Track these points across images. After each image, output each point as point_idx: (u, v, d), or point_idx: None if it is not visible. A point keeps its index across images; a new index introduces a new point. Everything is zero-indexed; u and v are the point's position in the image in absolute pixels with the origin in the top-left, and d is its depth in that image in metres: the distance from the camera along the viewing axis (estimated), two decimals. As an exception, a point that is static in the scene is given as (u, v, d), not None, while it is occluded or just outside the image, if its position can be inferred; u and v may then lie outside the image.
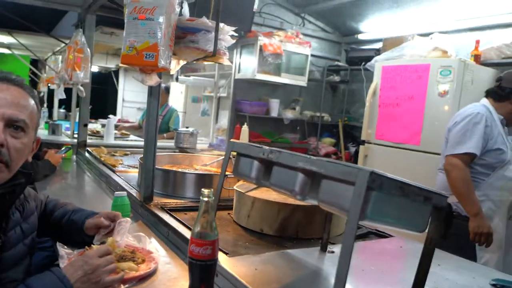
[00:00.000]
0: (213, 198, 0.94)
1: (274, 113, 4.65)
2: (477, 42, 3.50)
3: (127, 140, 4.13)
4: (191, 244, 0.92)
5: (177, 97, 6.19)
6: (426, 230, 0.99)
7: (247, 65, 4.39)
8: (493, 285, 1.17)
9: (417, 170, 3.34)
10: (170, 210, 1.60)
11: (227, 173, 1.97)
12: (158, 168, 1.85)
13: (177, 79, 4.94)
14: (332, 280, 1.08)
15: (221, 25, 1.58)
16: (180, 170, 2.01)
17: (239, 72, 4.49)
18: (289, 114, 4.70)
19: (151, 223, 1.57)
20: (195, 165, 2.35)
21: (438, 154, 3.23)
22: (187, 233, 1.34)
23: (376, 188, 0.83)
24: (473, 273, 1.30)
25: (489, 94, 2.45)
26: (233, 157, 2.54)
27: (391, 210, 0.89)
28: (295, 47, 4.44)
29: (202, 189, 0.94)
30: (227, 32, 1.65)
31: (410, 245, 1.48)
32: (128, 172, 2.37)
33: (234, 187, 1.63)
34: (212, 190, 0.94)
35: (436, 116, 3.26)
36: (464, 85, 3.17)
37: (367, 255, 1.35)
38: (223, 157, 2.43)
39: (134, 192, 1.87)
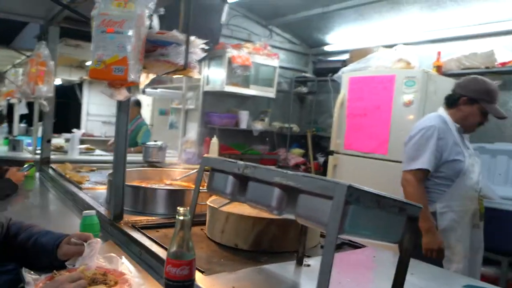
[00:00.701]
0: (189, 216, 0.92)
1: (243, 125, 4.65)
2: (439, 53, 3.64)
3: (92, 155, 4.03)
4: (167, 265, 0.89)
5: (144, 110, 6.09)
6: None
7: (215, 77, 4.37)
8: (465, 291, 1.20)
9: (385, 178, 3.40)
10: (142, 228, 1.55)
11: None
12: (128, 184, 1.79)
13: (144, 92, 4.86)
14: (311, 295, 1.08)
15: (192, 38, 1.57)
16: (150, 186, 1.96)
17: (207, 84, 4.47)
18: (258, 126, 4.71)
19: (122, 242, 1.51)
20: (166, 180, 2.30)
21: (405, 162, 3.31)
22: (160, 252, 1.30)
23: (354, 201, 0.83)
24: (445, 280, 1.33)
25: (444, 102, 2.46)
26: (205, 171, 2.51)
27: (367, 222, 0.90)
28: (263, 59, 4.47)
29: (178, 208, 0.91)
30: (198, 45, 1.64)
31: (382, 254, 1.50)
32: (95, 189, 2.29)
33: (207, 202, 1.60)
34: (188, 208, 0.92)
35: (402, 125, 3.34)
36: (427, 95, 3.28)
37: (343, 267, 1.35)
38: (193, 171, 2.41)
39: (102, 210, 1.81)
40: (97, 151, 4.23)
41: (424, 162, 2.24)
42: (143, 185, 1.99)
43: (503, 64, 3.31)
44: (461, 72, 3.53)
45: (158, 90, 4.86)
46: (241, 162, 1.10)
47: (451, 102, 2.39)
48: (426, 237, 2.19)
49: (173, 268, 0.88)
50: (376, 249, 1.54)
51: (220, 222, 1.49)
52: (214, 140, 4.16)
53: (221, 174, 1.18)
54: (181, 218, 0.91)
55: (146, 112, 6.11)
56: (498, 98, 2.30)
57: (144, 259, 1.34)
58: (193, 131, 4.74)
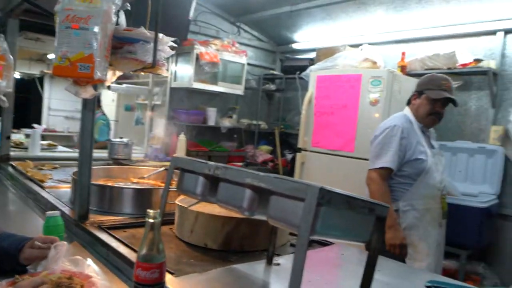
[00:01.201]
0: (159, 219, 0.90)
1: (211, 122, 4.62)
2: (403, 54, 3.74)
3: (55, 151, 3.88)
4: (136, 268, 0.88)
5: (108, 106, 5.95)
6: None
7: (183, 73, 4.32)
8: (428, 286, 1.24)
9: (352, 175, 3.47)
10: (108, 228, 1.52)
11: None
12: (94, 183, 1.75)
13: (109, 87, 4.74)
14: (281, 295, 1.09)
15: (160, 35, 1.54)
16: (117, 185, 1.92)
17: (175, 80, 4.41)
18: (226, 123, 4.70)
19: (87, 243, 1.47)
20: (133, 178, 2.26)
21: (371, 160, 3.39)
22: (128, 253, 1.28)
23: (325, 203, 0.84)
24: (409, 276, 1.37)
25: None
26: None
27: (338, 223, 0.91)
28: (232, 56, 4.46)
29: (148, 210, 0.90)
30: (166, 43, 1.61)
31: (350, 252, 1.53)
32: (58, 188, 2.22)
33: (176, 202, 1.59)
34: (159, 211, 0.90)
35: (368, 123, 3.41)
36: (393, 94, 3.36)
37: (312, 265, 1.37)
38: (161, 169, 2.38)
39: (67, 210, 1.75)
40: (60, 148, 4.08)
41: (387, 161, 2.28)
42: (110, 184, 1.94)
43: (464, 65, 3.44)
44: (424, 72, 3.63)
45: (124, 85, 4.75)
46: (212, 163, 1.09)
47: (408, 101, 2.51)
48: (389, 233, 2.24)
49: (142, 272, 0.87)
50: (343, 247, 1.57)
51: (189, 221, 1.48)
52: (182, 137, 4.11)
53: (191, 175, 1.17)
54: (151, 220, 0.89)
55: (111, 108, 5.97)
56: (442, 84, 2.34)
57: (111, 261, 1.31)
58: (159, 127, 4.67)
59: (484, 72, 3.41)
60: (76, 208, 1.60)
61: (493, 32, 3.50)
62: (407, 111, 2.47)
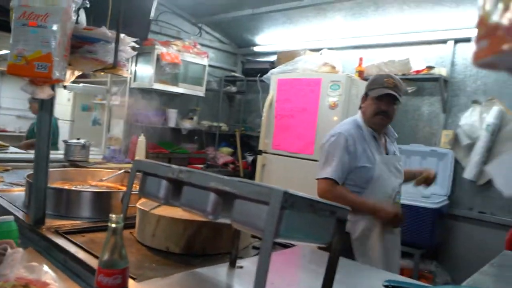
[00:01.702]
0: (122, 224, 0.89)
1: (171, 123, 4.56)
2: (361, 59, 3.86)
3: (6, 152, 3.71)
4: (98, 274, 0.86)
5: (64, 106, 5.75)
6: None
7: (143, 73, 4.25)
8: (385, 286, 1.28)
9: (311, 178, 3.51)
10: (66, 233, 1.47)
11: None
12: (50, 186, 1.69)
13: (64, 87, 4.58)
14: (245, 298, 1.10)
15: (122, 35, 1.51)
16: (75, 188, 1.86)
17: (135, 80, 4.32)
18: (187, 124, 4.65)
19: (44, 249, 1.42)
20: (91, 181, 2.20)
21: (330, 162, 3.47)
22: (87, 258, 1.25)
23: (289, 207, 0.86)
24: (367, 275, 1.42)
25: None
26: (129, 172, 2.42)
27: (301, 226, 0.93)
28: (193, 57, 4.43)
29: (110, 215, 0.88)
30: (128, 43, 1.59)
31: (311, 253, 1.56)
32: (11, 191, 2.12)
33: (137, 205, 1.56)
34: (121, 215, 0.89)
35: (327, 126, 3.48)
36: (350, 98, 3.46)
37: (274, 267, 1.38)
38: (120, 171, 2.32)
39: (20, 215, 1.68)
40: (12, 149, 3.90)
41: (330, 171, 2.15)
42: (67, 187, 1.88)
43: (417, 72, 3.59)
44: (380, 77, 3.77)
45: (81, 85, 4.60)
46: (176, 167, 1.08)
47: (360, 106, 2.41)
48: (378, 214, 2.12)
49: (105, 278, 0.85)
50: (305, 248, 1.60)
51: (150, 225, 1.46)
52: (141, 139, 4.04)
53: (154, 178, 1.16)
54: (114, 225, 0.88)
55: (66, 108, 5.77)
56: (385, 82, 2.19)
57: (70, 267, 1.27)
58: (117, 128, 4.56)
59: (436, 79, 3.57)
60: (32, 212, 1.54)
61: (444, 41, 3.68)
62: (358, 115, 2.37)
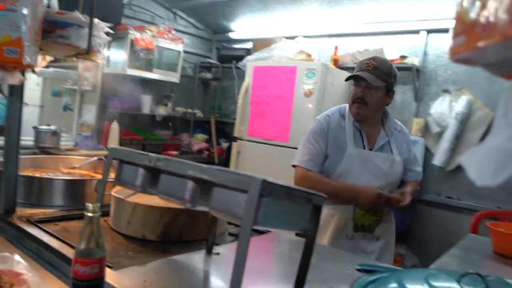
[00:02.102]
0: (99, 213, 0.88)
1: (145, 110, 4.50)
2: (336, 48, 3.89)
3: (-28, 139, 3.58)
4: (75, 263, 0.85)
5: (32, 91, 5.55)
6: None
7: (116, 59, 4.16)
8: (358, 269, 1.32)
9: (286, 164, 3.55)
10: (38, 222, 1.44)
11: (100, 177, 1.85)
12: (21, 174, 1.65)
13: (34, 71, 4.43)
14: (223, 283, 1.11)
15: (96, 20, 1.47)
16: (46, 175, 1.82)
17: (107, 66, 4.23)
18: (161, 111, 4.60)
19: (15, 239, 1.39)
20: (63, 168, 2.15)
21: (304, 150, 3.51)
22: (61, 247, 1.23)
23: (267, 194, 0.87)
24: (341, 259, 1.45)
25: None
26: (105, 158, 2.40)
27: (278, 213, 0.95)
28: (168, 43, 4.36)
29: (87, 204, 0.87)
30: (102, 29, 1.55)
31: (286, 239, 1.58)
32: (-21, 179, 2.06)
33: (112, 193, 1.54)
34: (98, 204, 0.88)
35: (302, 114, 3.52)
36: (326, 86, 3.49)
37: (250, 253, 1.39)
38: (93, 158, 2.28)
39: (-10, 204, 1.64)
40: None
41: (302, 160, 2.02)
42: (38, 175, 1.83)
43: (391, 61, 3.64)
44: (355, 66, 3.81)
45: (51, 69, 4.46)
46: (153, 155, 1.07)
47: None
48: (360, 200, 1.92)
49: (82, 267, 0.84)
50: (279, 235, 1.63)
51: (126, 213, 1.44)
52: (115, 125, 3.97)
53: (130, 166, 1.15)
54: (90, 214, 0.87)
55: (35, 93, 5.58)
56: (363, 65, 1.97)
57: (43, 256, 1.25)
58: (89, 113, 4.46)
59: (409, 68, 3.64)
60: (2, 201, 1.50)
61: (417, 31, 3.74)
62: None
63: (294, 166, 2.08)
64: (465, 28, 0.44)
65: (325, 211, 2.01)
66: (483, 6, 0.40)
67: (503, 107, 0.41)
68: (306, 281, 1.10)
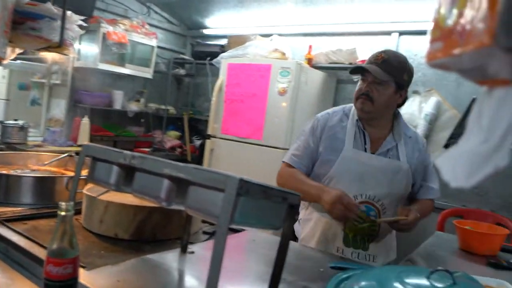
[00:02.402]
0: (72, 211, 0.86)
1: (117, 105, 4.42)
2: (310, 47, 3.92)
3: None
4: (47, 264, 0.83)
5: (-2, 83, 5.36)
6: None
7: (88, 52, 4.06)
8: (332, 267, 1.34)
9: (259, 163, 3.59)
10: (6, 221, 1.40)
11: (72, 175, 1.81)
12: (-13, 171, 1.59)
13: (0, 63, 4.28)
14: (198, 282, 1.11)
15: (68, 13, 1.44)
16: (14, 172, 1.76)
17: (78, 59, 4.12)
18: (133, 107, 4.53)
19: (-19, 238, 1.35)
20: (31, 165, 2.09)
21: (278, 148, 3.54)
22: (31, 247, 1.19)
23: (244, 193, 0.87)
24: (315, 258, 1.47)
25: None
26: (76, 154, 2.34)
27: (255, 212, 0.95)
28: (141, 37, 4.29)
29: (60, 202, 0.85)
30: (75, 21, 1.51)
31: (261, 237, 1.59)
32: None
33: (84, 191, 1.51)
34: (71, 203, 0.86)
35: (276, 112, 3.54)
36: (300, 85, 3.52)
37: (225, 252, 1.40)
38: (64, 155, 2.23)
39: (-47, 202, 1.57)
40: None
41: (287, 155, 1.89)
42: (5, 172, 1.77)
43: (363, 61, 3.70)
44: (328, 65, 3.87)
45: (18, 61, 4.32)
46: (128, 152, 1.06)
47: None
48: (323, 200, 1.65)
49: (54, 268, 0.82)
50: (254, 233, 1.63)
51: (98, 211, 1.42)
52: (85, 121, 3.88)
53: (104, 164, 1.12)
54: (63, 213, 0.85)
55: (1, 86, 5.38)
56: (372, 57, 1.76)
57: (12, 256, 1.21)
58: (58, 108, 4.34)
59: (381, 69, 3.71)
60: (-33, 198, 1.44)
61: (389, 33, 3.82)
62: None
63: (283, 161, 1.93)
64: (442, 34, 0.45)
65: (315, 215, 1.85)
66: (460, 14, 0.41)
67: (476, 112, 0.42)
68: (281, 279, 1.11)
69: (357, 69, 1.78)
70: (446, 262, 1.66)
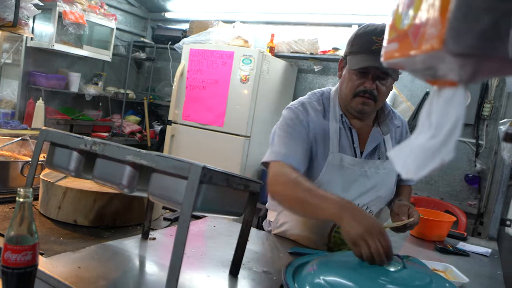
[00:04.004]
0: (31, 198, 0.85)
1: (74, 88, 4.27)
2: (272, 35, 3.94)
3: None
4: (5, 251, 0.81)
5: None
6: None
7: (42, 32, 3.88)
8: (290, 253, 1.39)
9: (220, 150, 3.60)
10: (-43, 207, 1.35)
11: (28, 159, 1.76)
12: None
13: None
14: (160, 268, 1.12)
15: (24, -8, 1.38)
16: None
17: (32, 39, 3.94)
18: (91, 90, 4.39)
19: None
20: (-18, 149, 2.00)
21: (240, 135, 3.56)
22: (-16, 234, 1.16)
23: (207, 181, 0.89)
24: (275, 245, 1.51)
25: None
26: (30, 138, 2.26)
27: (217, 199, 0.97)
28: (99, 18, 4.14)
29: (19, 189, 0.83)
30: (30, 0, 1.45)
31: (222, 224, 1.62)
32: None
33: (41, 176, 1.48)
34: (30, 189, 0.85)
35: (238, 100, 3.55)
36: (261, 73, 3.54)
37: (187, 238, 1.41)
38: (17, 139, 2.15)
39: None
40: None
41: (277, 153, 1.43)
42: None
43: (324, 52, 3.78)
44: (290, 54, 3.91)
45: (-35, 39, 4.07)
46: (89, 138, 1.04)
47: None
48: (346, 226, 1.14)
49: (13, 255, 0.81)
50: (215, 219, 1.66)
51: (56, 197, 1.39)
52: (40, 103, 3.73)
53: (64, 150, 1.10)
54: (21, 200, 0.83)
55: None
56: (372, 43, 1.35)
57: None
58: (9, 89, 4.14)
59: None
60: None
61: (349, 25, 3.89)
62: (333, 89, 1.63)
63: (265, 164, 1.47)
64: (398, 36, 0.48)
65: (300, 226, 1.57)
66: (415, 18, 0.45)
67: (427, 109, 0.46)
68: (242, 264, 1.15)
69: (366, 67, 1.38)
70: (398, 248, 1.74)
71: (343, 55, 1.50)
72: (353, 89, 1.44)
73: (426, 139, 0.45)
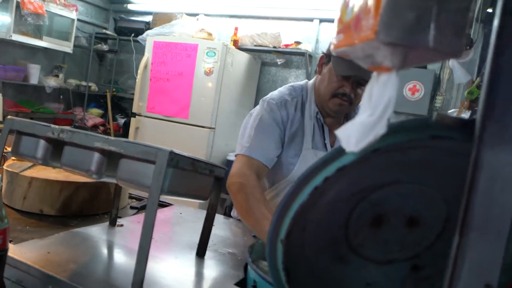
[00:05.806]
0: (1, 184, 0.87)
1: (33, 80, 4.16)
2: (236, 29, 3.98)
3: None
4: (-25, 235, 0.84)
5: None
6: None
7: (-1, 22, 3.76)
8: (254, 236, 1.46)
9: (185, 141, 3.63)
10: None
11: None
12: None
13: None
14: (128, 252, 1.16)
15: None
16: None
17: (-13, 29, 3.81)
18: (51, 82, 4.29)
19: None
20: None
21: (204, 127, 3.60)
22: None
23: (174, 165, 0.94)
24: (242, 232, 1.58)
25: None
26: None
27: (184, 183, 1.02)
28: (60, 8, 4.05)
29: (-12, 175, 0.85)
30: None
31: (187, 211, 1.67)
32: None
33: (4, 167, 1.47)
34: (1, 176, 0.87)
35: (202, 92, 3.59)
36: (225, 66, 3.59)
37: (155, 224, 1.45)
38: (-24, 131, 2.11)
39: None
40: None
41: (241, 146, 1.48)
42: None
43: (286, 45, 3.86)
44: (253, 48, 3.96)
45: None
46: (56, 126, 1.06)
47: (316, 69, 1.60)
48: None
49: (-17, 238, 0.83)
50: (182, 207, 1.70)
51: (21, 188, 1.40)
52: (-3, 96, 3.62)
53: (30, 138, 1.12)
54: (-9, 186, 0.85)
55: None
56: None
57: None
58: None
59: (302, 53, 3.89)
60: None
61: (310, 19, 4.00)
62: (310, 83, 1.61)
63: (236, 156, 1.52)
64: (344, 28, 0.55)
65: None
66: (355, 12, 0.52)
67: (368, 92, 0.53)
68: (208, 247, 1.20)
69: (350, 76, 1.42)
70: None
71: (325, 52, 1.52)
72: (332, 90, 1.46)
73: (366, 116, 0.52)
